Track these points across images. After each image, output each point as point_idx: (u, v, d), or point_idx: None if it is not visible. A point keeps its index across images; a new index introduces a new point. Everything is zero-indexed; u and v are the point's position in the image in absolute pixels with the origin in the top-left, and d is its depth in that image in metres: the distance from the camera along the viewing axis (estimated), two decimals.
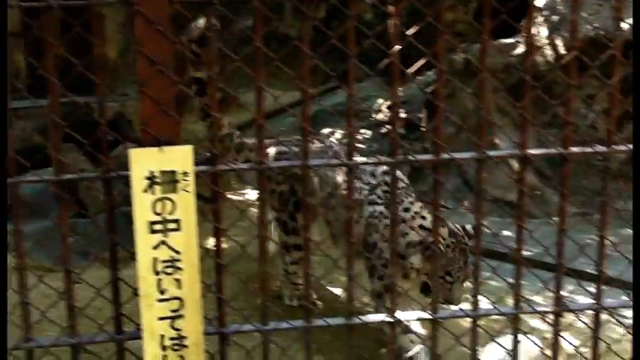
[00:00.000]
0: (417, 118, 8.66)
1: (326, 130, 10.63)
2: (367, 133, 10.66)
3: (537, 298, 4.06)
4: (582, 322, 2.83)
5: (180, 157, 2.08)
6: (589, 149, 2.51)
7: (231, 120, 4.93)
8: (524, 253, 2.60)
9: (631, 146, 2.60)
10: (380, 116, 9.71)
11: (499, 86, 6.93)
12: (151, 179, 2.08)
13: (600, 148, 2.52)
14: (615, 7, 2.44)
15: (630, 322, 2.78)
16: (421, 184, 7.97)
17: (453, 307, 2.69)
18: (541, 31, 7.72)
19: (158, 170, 2.08)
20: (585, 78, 7.04)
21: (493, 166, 2.47)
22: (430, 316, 2.57)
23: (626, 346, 2.88)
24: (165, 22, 2.06)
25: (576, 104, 7.10)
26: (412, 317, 2.58)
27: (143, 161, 2.07)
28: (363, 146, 9.31)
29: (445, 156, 2.39)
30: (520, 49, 7.58)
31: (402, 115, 8.97)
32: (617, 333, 3.70)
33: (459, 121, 6.40)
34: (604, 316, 2.79)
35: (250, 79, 2.23)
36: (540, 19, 7.83)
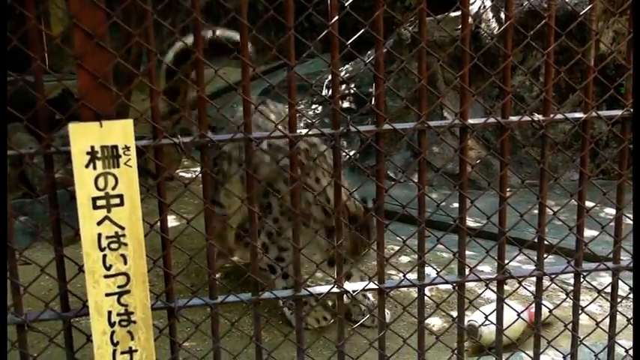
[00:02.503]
0: (365, 95, 8.70)
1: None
2: (318, 108, 10.67)
3: (486, 267, 4.14)
4: (526, 288, 2.89)
5: (120, 131, 2.07)
6: (527, 118, 2.56)
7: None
8: (472, 224, 2.64)
9: (569, 115, 2.66)
10: (330, 91, 9.72)
11: (446, 59, 6.99)
12: (92, 154, 2.06)
13: (538, 117, 2.56)
14: None
15: (572, 287, 2.86)
16: (371, 159, 8.04)
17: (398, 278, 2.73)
18: (486, 5, 7.79)
19: (99, 145, 2.06)
20: (528, 51, 7.15)
21: (440, 136, 2.51)
22: (376, 286, 2.61)
23: (568, 312, 2.96)
24: None
25: (521, 77, 7.20)
26: (359, 288, 2.60)
27: (83, 136, 2.04)
28: (314, 120, 9.32)
29: (386, 127, 2.41)
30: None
31: (351, 90, 8.99)
32: (560, 299, 3.80)
33: (406, 97, 6.43)
34: (549, 283, 2.85)
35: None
36: None
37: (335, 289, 2.56)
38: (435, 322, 4.21)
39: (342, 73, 10.13)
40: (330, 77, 10.49)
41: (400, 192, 4.77)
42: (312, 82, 4.94)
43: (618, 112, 2.66)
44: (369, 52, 8.76)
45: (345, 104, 9.53)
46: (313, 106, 10.80)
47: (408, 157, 7.86)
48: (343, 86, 8.94)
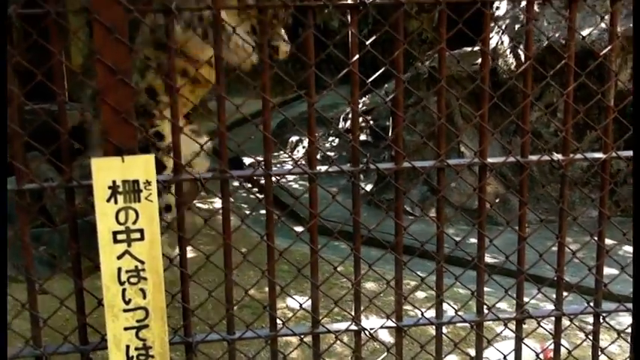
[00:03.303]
0: (382, 128, 8.72)
1: (294, 139, 10.66)
2: (335, 140, 10.70)
3: (503, 305, 4.11)
4: (544, 328, 2.87)
5: (142, 166, 2.08)
6: (546, 157, 2.55)
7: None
8: (490, 260, 2.62)
9: (589, 155, 2.65)
10: (347, 124, 9.77)
11: (464, 94, 7.02)
12: (114, 189, 2.08)
13: (557, 156, 2.56)
14: (569, 17, 2.48)
15: (591, 327, 2.83)
16: (388, 193, 8.04)
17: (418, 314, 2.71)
18: (504, 40, 7.81)
19: (120, 180, 2.08)
20: (546, 87, 7.14)
21: (459, 174, 2.54)
22: (394, 324, 2.59)
23: (587, 352, 2.93)
24: (124, 30, 2.05)
25: (539, 113, 7.20)
26: (377, 325, 2.59)
27: (105, 171, 2.06)
28: (331, 154, 9.36)
29: (406, 164, 2.41)
30: None
31: (369, 123, 9.01)
32: (579, 339, 3.76)
33: (423, 131, 6.44)
34: (568, 323, 2.83)
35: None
36: (502, 27, 7.91)
37: (353, 327, 2.55)
38: None
39: (359, 106, 10.16)
40: (347, 110, 10.53)
41: (417, 227, 4.75)
42: (328, 114, 4.99)
43: None
44: (386, 86, 8.82)
45: (362, 137, 9.56)
46: (330, 139, 10.84)
47: (424, 192, 7.84)
48: (360, 119, 8.96)
